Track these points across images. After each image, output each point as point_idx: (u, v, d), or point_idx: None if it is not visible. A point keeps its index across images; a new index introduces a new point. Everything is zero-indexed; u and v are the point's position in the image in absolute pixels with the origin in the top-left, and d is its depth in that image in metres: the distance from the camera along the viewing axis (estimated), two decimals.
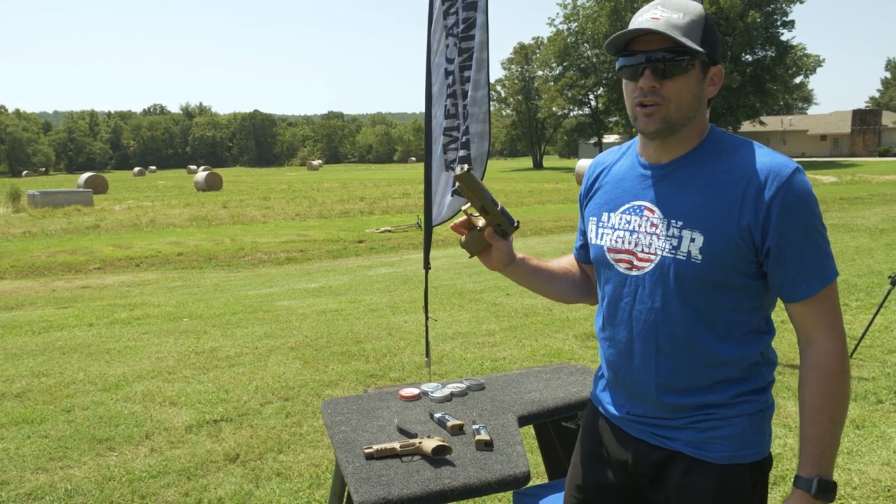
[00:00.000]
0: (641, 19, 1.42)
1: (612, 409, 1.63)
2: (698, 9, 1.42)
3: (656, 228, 1.47)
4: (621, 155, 1.64)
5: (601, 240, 1.59)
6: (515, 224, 1.61)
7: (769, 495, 3.30)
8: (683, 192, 1.45)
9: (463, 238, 1.65)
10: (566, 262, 1.83)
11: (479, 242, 1.63)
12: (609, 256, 1.56)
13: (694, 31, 1.39)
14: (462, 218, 1.64)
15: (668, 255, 1.45)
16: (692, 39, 1.38)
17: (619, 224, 1.54)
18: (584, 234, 1.73)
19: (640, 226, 1.50)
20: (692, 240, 1.41)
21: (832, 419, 1.41)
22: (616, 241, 1.54)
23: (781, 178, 1.36)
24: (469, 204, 1.63)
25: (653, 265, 1.47)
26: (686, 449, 1.49)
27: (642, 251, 1.49)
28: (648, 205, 1.50)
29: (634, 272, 1.51)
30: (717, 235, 1.39)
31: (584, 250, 1.75)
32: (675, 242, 1.44)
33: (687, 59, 1.39)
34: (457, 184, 1.66)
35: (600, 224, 1.60)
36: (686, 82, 1.41)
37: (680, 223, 1.44)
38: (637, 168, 1.55)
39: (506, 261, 1.65)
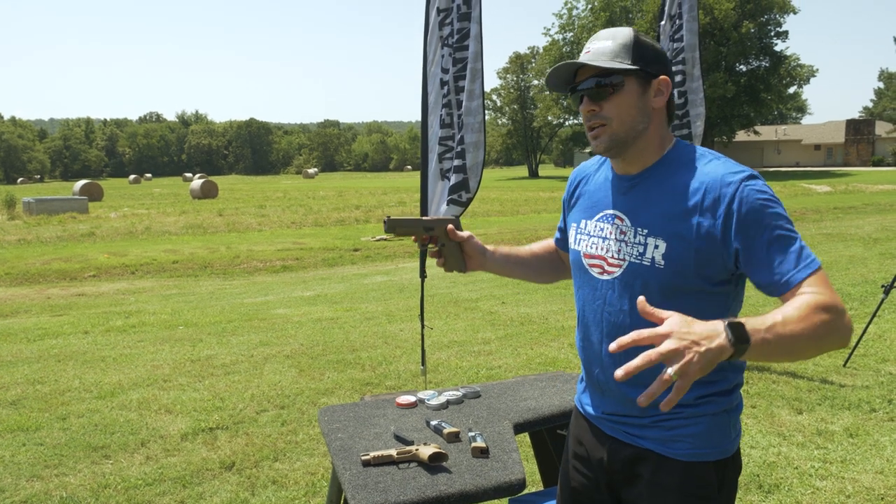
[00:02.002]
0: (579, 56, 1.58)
1: (590, 409, 1.73)
2: (626, 33, 1.56)
3: (625, 236, 1.57)
4: (600, 165, 1.74)
5: (578, 245, 1.70)
6: (456, 217, 1.93)
7: (764, 501, 3.32)
8: (649, 201, 1.55)
9: (444, 263, 1.89)
10: (538, 246, 2.00)
11: (455, 255, 1.89)
12: (584, 261, 1.67)
13: (622, 52, 1.53)
14: (427, 249, 1.93)
15: (635, 260, 1.54)
16: (621, 60, 1.52)
17: (594, 231, 1.65)
18: (562, 230, 1.91)
19: (611, 233, 1.61)
20: (656, 246, 1.51)
21: (786, 320, 1.28)
22: (591, 247, 1.65)
23: (735, 185, 1.45)
24: (413, 238, 1.91)
25: (621, 270, 1.57)
26: (654, 446, 1.57)
27: (612, 257, 1.59)
28: (619, 213, 1.60)
29: (605, 276, 1.61)
30: (678, 242, 1.48)
31: (562, 240, 1.93)
32: (640, 249, 1.53)
33: (616, 80, 1.52)
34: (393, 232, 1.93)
35: (578, 230, 1.71)
36: (624, 99, 1.53)
37: (645, 231, 1.53)
38: (611, 179, 1.66)
39: (480, 250, 1.90)
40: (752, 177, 1.47)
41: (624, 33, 1.55)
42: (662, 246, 1.50)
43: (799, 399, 4.67)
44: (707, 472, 1.54)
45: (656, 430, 1.57)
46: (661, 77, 1.55)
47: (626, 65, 1.51)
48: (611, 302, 1.59)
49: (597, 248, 1.63)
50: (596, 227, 1.65)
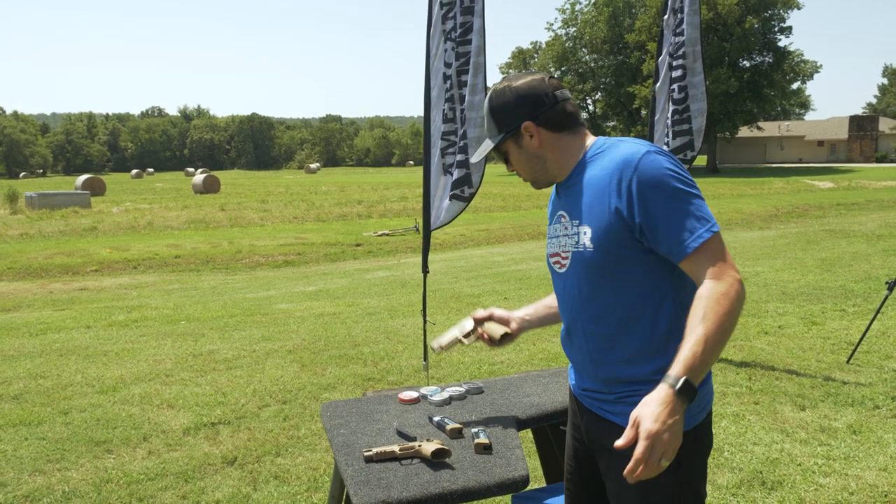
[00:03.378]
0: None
1: (573, 385, 1.92)
2: (486, 105, 1.80)
3: (567, 230, 1.77)
4: None
5: (546, 249, 1.91)
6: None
7: (767, 498, 3.31)
8: (577, 195, 1.74)
9: (488, 338, 2.14)
10: None
11: (493, 328, 2.14)
12: (550, 261, 1.87)
13: (492, 123, 1.78)
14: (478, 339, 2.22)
15: (575, 249, 1.73)
16: (491, 132, 1.80)
17: (552, 233, 1.87)
18: None
19: (560, 231, 1.81)
20: (585, 233, 1.69)
21: (706, 337, 1.49)
22: (551, 247, 1.87)
23: (633, 162, 1.60)
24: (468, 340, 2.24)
25: (569, 261, 1.77)
26: (619, 420, 1.71)
27: (563, 251, 1.79)
28: (562, 212, 1.80)
29: (562, 270, 1.81)
30: (599, 224, 1.66)
31: None
32: (576, 238, 1.73)
33: (496, 152, 1.81)
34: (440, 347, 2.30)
35: (547, 237, 1.92)
36: (514, 158, 1.80)
37: (577, 221, 1.73)
38: (556, 187, 1.88)
39: (505, 317, 2.16)
40: (649, 153, 1.61)
41: (486, 106, 1.79)
42: (589, 231, 1.68)
43: (802, 396, 4.66)
44: None
45: (621, 406, 1.71)
46: (524, 124, 1.73)
47: (494, 140, 1.78)
48: (568, 290, 1.79)
49: (554, 247, 1.84)
50: (553, 228, 1.86)
